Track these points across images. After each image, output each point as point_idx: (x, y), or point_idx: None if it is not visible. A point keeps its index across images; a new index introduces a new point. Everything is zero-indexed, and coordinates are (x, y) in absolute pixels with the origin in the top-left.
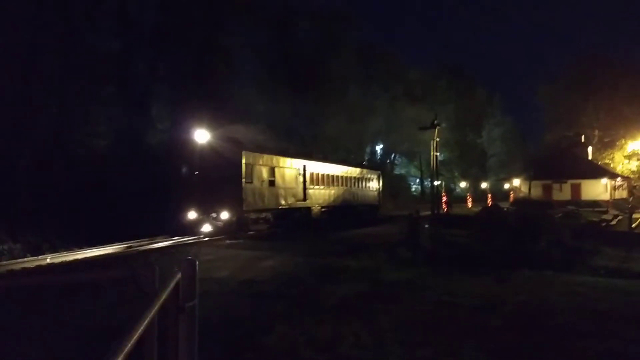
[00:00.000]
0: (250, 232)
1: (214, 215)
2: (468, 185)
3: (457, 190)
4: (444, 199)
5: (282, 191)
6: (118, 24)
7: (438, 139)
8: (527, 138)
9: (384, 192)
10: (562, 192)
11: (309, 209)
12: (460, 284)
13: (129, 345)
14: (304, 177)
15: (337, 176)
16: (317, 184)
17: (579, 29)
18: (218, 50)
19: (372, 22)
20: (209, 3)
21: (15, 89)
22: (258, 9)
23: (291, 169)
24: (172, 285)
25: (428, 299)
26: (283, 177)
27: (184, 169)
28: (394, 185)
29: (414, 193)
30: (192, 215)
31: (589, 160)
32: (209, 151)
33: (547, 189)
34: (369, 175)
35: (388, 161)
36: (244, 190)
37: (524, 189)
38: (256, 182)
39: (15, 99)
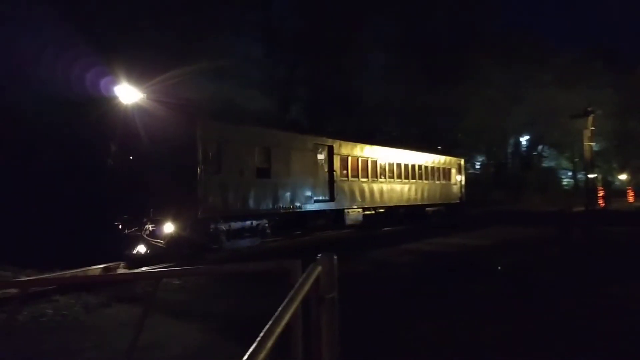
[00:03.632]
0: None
1: (151, 227)
2: (629, 177)
3: (615, 183)
4: (601, 193)
5: (286, 186)
6: (262, 32)
7: (592, 128)
8: None
9: (533, 186)
10: None
11: (340, 212)
12: (619, 286)
13: (279, 330)
14: (331, 164)
15: (390, 164)
16: (354, 176)
17: None
18: (354, 49)
19: (515, 6)
20: (345, 5)
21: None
22: (393, 4)
23: (304, 151)
24: (313, 277)
25: (578, 301)
26: (288, 163)
27: (112, 153)
28: (542, 179)
29: (566, 187)
30: (121, 227)
31: None
32: (143, 122)
33: None
34: (444, 164)
35: (534, 153)
36: (200, 185)
37: None
38: (228, 171)
39: None
